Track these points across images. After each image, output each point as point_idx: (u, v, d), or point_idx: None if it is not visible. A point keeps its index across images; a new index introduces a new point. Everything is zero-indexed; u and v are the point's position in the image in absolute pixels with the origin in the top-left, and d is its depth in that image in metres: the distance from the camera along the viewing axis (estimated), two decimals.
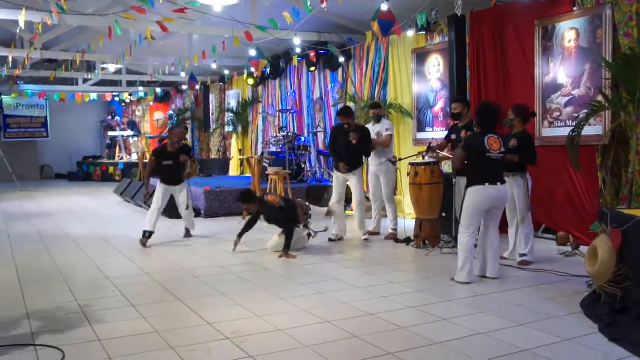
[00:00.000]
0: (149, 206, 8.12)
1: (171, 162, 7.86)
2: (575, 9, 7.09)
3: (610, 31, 6.62)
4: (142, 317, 4.50)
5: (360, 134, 7.56)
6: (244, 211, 9.35)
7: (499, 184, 5.39)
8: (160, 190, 7.95)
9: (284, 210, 6.94)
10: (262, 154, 13.50)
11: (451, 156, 6.68)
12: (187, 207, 8.14)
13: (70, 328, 4.25)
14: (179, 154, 7.92)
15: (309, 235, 7.30)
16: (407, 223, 8.16)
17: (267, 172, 10.71)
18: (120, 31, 9.78)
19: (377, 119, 8.12)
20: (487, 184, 5.33)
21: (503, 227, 6.74)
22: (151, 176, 8.23)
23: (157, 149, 8.30)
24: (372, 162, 8.07)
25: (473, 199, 5.37)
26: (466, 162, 5.51)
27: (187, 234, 8.38)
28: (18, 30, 10.08)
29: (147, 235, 7.64)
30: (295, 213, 7.05)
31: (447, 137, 7.35)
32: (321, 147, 12.74)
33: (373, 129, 8.08)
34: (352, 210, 8.23)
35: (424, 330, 4.07)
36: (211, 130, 18.30)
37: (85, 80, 19.17)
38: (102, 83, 19.75)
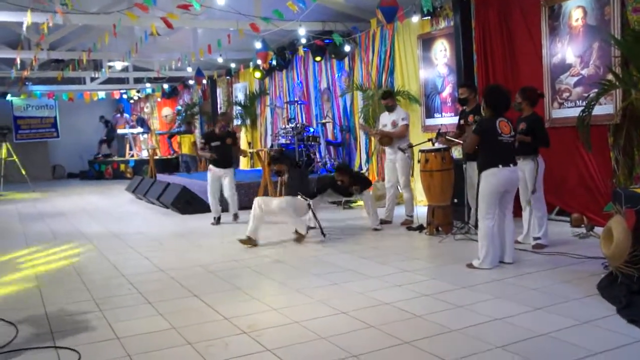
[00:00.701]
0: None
1: (219, 142, 8.77)
2: None
3: (618, 7, 6.53)
4: (159, 313, 4.53)
5: (360, 186, 7.90)
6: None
7: (511, 165, 5.37)
8: (208, 178, 8.96)
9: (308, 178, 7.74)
10: (272, 146, 13.50)
11: (460, 142, 6.65)
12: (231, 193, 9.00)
13: (88, 327, 4.29)
14: (225, 137, 8.85)
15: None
16: (419, 210, 8.13)
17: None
18: (120, 27, 9.75)
19: (389, 109, 8.10)
20: (500, 166, 5.30)
21: (517, 211, 6.73)
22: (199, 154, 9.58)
23: (206, 132, 9.73)
24: (389, 150, 8.08)
25: (488, 181, 5.34)
26: (477, 147, 5.48)
27: (235, 218, 9.02)
28: (24, 29, 10.03)
29: (215, 220, 8.86)
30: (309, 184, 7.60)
31: (458, 125, 7.30)
32: (330, 137, 12.72)
33: (388, 117, 8.06)
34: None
35: (440, 318, 4.07)
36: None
37: (92, 79, 19.23)
38: (109, 81, 19.82)
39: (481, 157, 5.49)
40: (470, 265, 5.42)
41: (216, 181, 8.94)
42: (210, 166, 8.94)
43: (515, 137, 5.50)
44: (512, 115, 7.34)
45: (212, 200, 9.01)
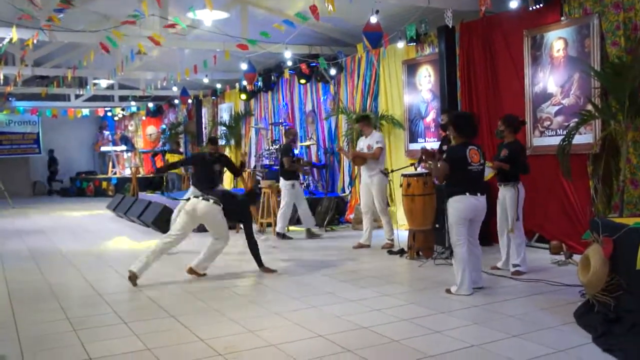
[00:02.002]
0: None
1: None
2: (563, 18, 7.15)
3: (598, 40, 6.67)
4: (134, 334, 4.46)
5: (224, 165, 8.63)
6: (237, 227, 9.37)
7: (478, 194, 5.38)
8: (298, 193, 9.19)
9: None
10: (255, 167, 13.49)
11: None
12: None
13: (61, 347, 4.21)
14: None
15: None
16: (400, 234, 8.14)
17: (260, 185, 10.69)
18: (117, 45, 9.73)
19: (363, 133, 8.12)
20: (467, 194, 5.33)
21: (495, 237, 6.76)
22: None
23: (287, 147, 9.53)
24: (364, 174, 8.08)
25: (455, 207, 5.37)
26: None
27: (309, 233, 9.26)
28: (3, 44, 9.94)
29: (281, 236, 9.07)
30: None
31: (439, 149, 7.35)
32: (314, 159, 12.74)
33: (364, 141, 8.08)
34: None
35: (417, 343, 4.05)
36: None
37: (77, 96, 19.14)
38: (94, 98, 19.73)
39: (449, 185, 5.51)
40: (448, 291, 5.41)
41: (293, 193, 9.12)
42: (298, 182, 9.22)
43: (484, 165, 5.52)
44: (494, 142, 7.44)
45: (288, 215, 9.20)
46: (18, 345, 4.25)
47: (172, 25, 8.65)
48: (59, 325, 4.75)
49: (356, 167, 10.79)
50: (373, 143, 7.95)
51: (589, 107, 6.52)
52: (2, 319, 4.99)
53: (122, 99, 19.75)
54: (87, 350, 4.09)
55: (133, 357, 3.96)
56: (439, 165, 5.54)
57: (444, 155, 5.63)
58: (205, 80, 14.33)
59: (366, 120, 8.26)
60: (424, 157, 7.11)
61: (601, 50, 6.64)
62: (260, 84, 13.70)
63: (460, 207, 5.34)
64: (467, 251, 5.36)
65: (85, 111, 19.74)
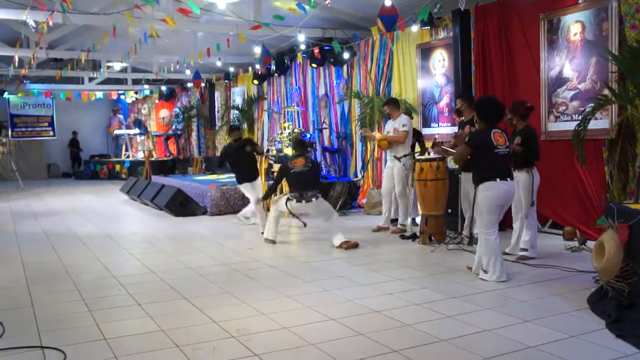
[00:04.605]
0: None
1: None
2: (580, 1, 7.03)
3: (616, 23, 6.57)
4: (148, 315, 4.51)
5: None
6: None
7: (509, 179, 5.32)
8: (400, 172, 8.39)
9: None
10: (268, 150, 13.48)
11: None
12: None
13: (76, 327, 4.26)
14: None
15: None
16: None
17: (272, 169, 10.71)
18: (120, 29, 9.72)
19: (390, 116, 8.12)
20: (498, 180, 5.24)
21: (509, 222, 6.74)
22: None
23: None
24: (389, 157, 8.09)
25: (487, 195, 5.24)
26: (470, 158, 5.43)
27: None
28: (31, 28, 9.97)
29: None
30: None
31: (455, 135, 7.31)
32: (326, 143, 12.72)
33: (391, 124, 8.09)
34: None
35: (429, 328, 4.06)
36: (217, 128, 18.33)
37: (91, 79, 19.21)
38: (107, 81, 19.80)
39: (477, 170, 5.42)
40: (482, 279, 5.31)
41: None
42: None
43: (509, 147, 5.48)
44: (509, 128, 7.38)
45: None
46: (35, 325, 4.31)
47: (186, 13, 8.63)
48: (74, 306, 4.81)
49: (369, 153, 10.81)
50: (399, 126, 7.94)
51: (606, 91, 6.44)
52: (20, 299, 5.06)
53: (135, 82, 19.79)
54: (102, 330, 4.14)
55: (147, 338, 4.00)
56: (455, 151, 5.49)
57: (466, 139, 5.56)
58: (218, 64, 14.32)
59: (394, 104, 8.24)
60: (435, 142, 7.08)
61: (619, 33, 6.55)
62: (273, 67, 13.66)
63: (493, 195, 5.22)
64: (498, 240, 5.29)
65: (99, 94, 19.83)
